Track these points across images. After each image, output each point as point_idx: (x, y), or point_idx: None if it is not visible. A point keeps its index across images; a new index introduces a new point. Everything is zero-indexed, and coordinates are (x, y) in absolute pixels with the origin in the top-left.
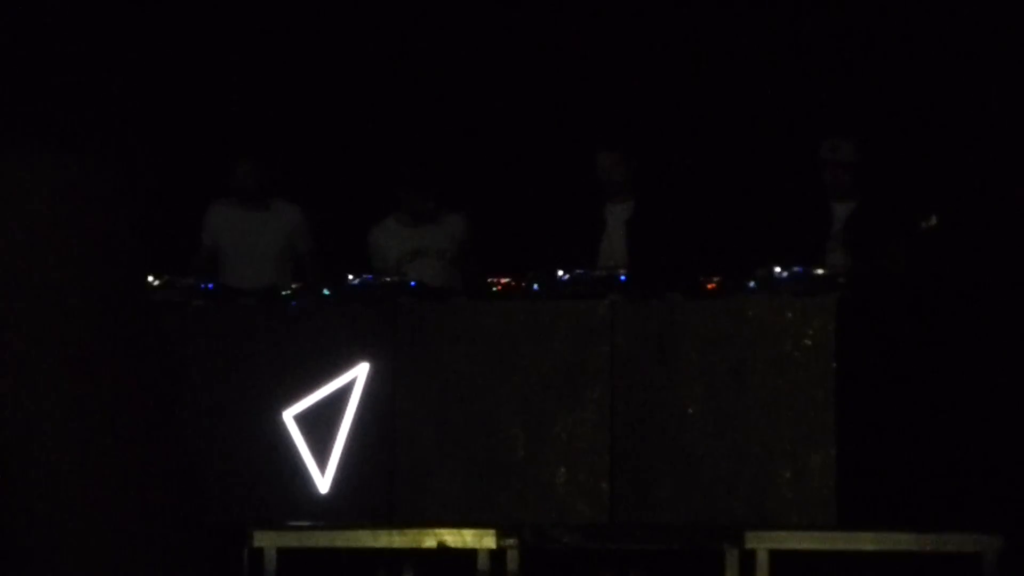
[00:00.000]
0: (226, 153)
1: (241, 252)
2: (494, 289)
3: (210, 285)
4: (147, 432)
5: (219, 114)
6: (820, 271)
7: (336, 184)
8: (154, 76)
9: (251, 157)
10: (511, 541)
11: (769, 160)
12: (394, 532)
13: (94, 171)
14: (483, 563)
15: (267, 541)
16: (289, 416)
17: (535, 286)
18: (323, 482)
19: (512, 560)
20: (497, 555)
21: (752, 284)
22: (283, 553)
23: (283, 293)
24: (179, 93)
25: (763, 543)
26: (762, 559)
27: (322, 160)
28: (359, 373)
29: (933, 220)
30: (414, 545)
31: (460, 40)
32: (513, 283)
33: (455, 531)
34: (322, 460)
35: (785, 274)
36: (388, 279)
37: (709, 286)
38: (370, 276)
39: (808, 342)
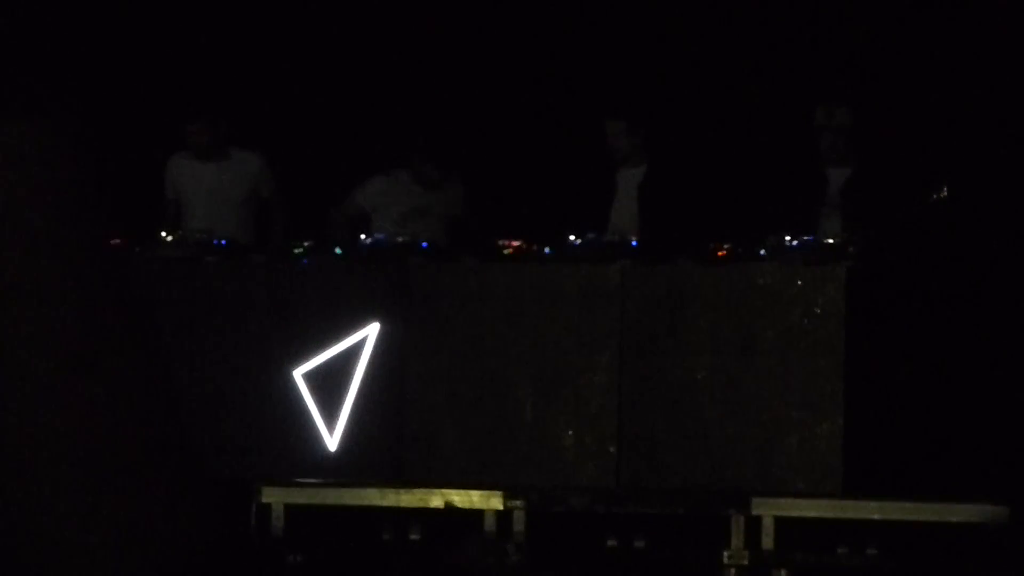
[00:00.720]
0: (190, 109)
1: (203, 202)
2: (505, 252)
3: (223, 242)
4: (133, 388)
5: (185, 71)
6: (830, 240)
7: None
8: (112, 29)
9: (202, 117)
10: (518, 502)
11: (763, 126)
12: (401, 491)
13: (52, 135)
14: (489, 524)
15: (275, 497)
16: (299, 374)
17: (546, 250)
18: (332, 440)
19: (518, 521)
20: (504, 516)
21: (762, 252)
22: (291, 509)
23: (295, 251)
24: (144, 48)
25: (769, 509)
26: (768, 525)
27: (323, 120)
28: (369, 332)
29: (944, 190)
30: (421, 505)
31: (473, 8)
32: (524, 246)
33: (462, 491)
34: (331, 418)
35: (795, 242)
36: (400, 239)
37: (720, 253)
38: (382, 236)
39: (817, 311)
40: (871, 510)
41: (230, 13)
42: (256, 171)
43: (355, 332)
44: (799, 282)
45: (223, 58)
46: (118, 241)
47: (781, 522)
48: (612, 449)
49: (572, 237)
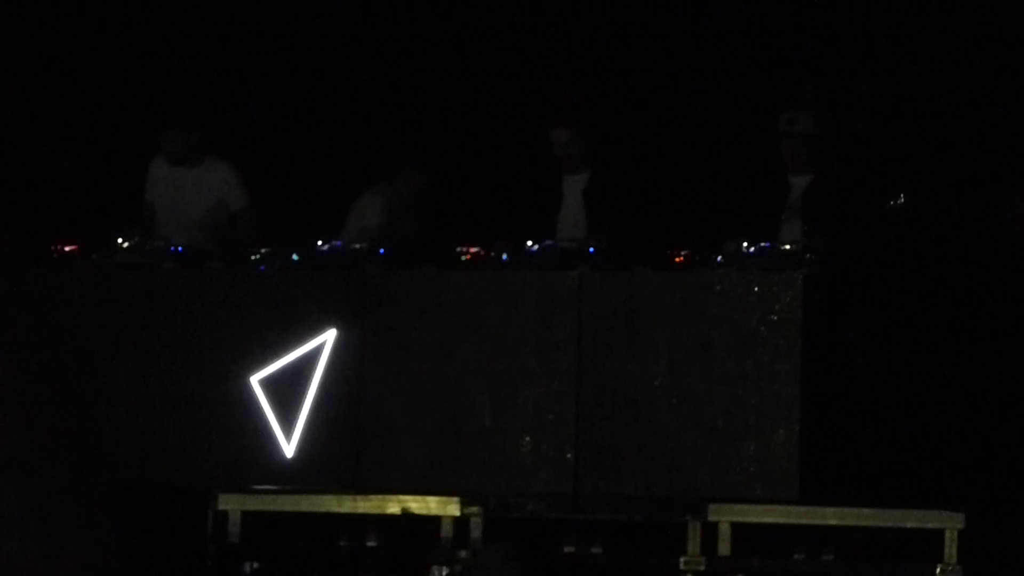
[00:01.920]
0: (164, 116)
1: (171, 209)
2: (463, 259)
3: (179, 248)
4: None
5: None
6: (787, 247)
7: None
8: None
9: (175, 125)
10: (475, 509)
11: (726, 132)
12: (359, 498)
13: None
14: (447, 530)
15: (232, 504)
16: (256, 380)
17: (504, 256)
18: (289, 447)
19: (475, 528)
20: (461, 522)
21: (719, 259)
22: (248, 516)
23: (252, 258)
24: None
25: (726, 516)
26: (724, 531)
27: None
28: (327, 339)
29: (900, 199)
30: (378, 511)
31: (415, 19)
32: (482, 253)
33: (419, 498)
34: (288, 425)
35: (752, 249)
36: (357, 246)
37: (677, 260)
38: (339, 242)
39: (774, 317)
40: (828, 516)
41: (212, 20)
42: (221, 181)
43: (312, 339)
44: (756, 288)
45: (203, 64)
46: (74, 247)
47: (738, 528)
48: (569, 455)
49: (529, 243)
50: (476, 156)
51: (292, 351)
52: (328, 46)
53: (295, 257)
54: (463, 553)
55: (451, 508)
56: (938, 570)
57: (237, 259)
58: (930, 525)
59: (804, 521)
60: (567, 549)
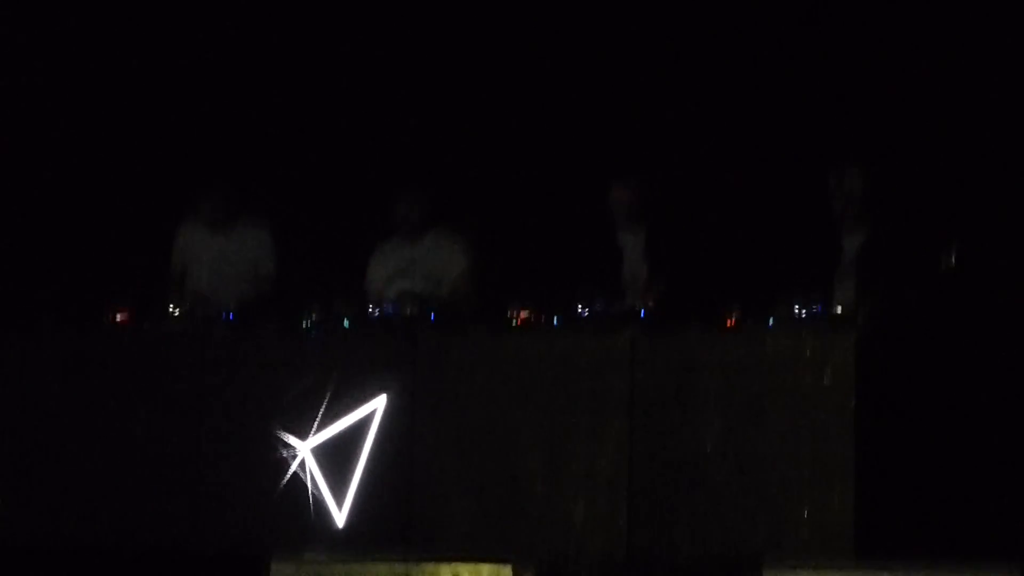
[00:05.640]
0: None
1: (204, 274)
2: (514, 323)
3: (231, 316)
4: None
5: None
6: (839, 309)
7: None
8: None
9: (214, 189)
10: (528, 575)
11: (777, 189)
12: (411, 565)
13: None
14: None
15: (285, 572)
16: (307, 448)
17: (554, 320)
18: (340, 515)
19: None
20: None
21: (771, 322)
22: None
23: (304, 325)
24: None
25: None
26: None
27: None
28: (377, 405)
29: (952, 258)
30: None
31: (469, 70)
32: (533, 316)
33: (471, 565)
34: (339, 492)
35: (804, 312)
36: (409, 311)
37: (728, 322)
38: (389, 308)
39: (827, 377)
40: None
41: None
42: (260, 248)
43: (363, 405)
44: (808, 350)
45: (227, 124)
46: (125, 316)
47: None
48: (622, 520)
49: (580, 307)
50: (529, 213)
51: (343, 418)
52: (377, 94)
53: (346, 323)
54: None
55: (504, 574)
56: None
57: (288, 326)
58: None
59: None
60: None
